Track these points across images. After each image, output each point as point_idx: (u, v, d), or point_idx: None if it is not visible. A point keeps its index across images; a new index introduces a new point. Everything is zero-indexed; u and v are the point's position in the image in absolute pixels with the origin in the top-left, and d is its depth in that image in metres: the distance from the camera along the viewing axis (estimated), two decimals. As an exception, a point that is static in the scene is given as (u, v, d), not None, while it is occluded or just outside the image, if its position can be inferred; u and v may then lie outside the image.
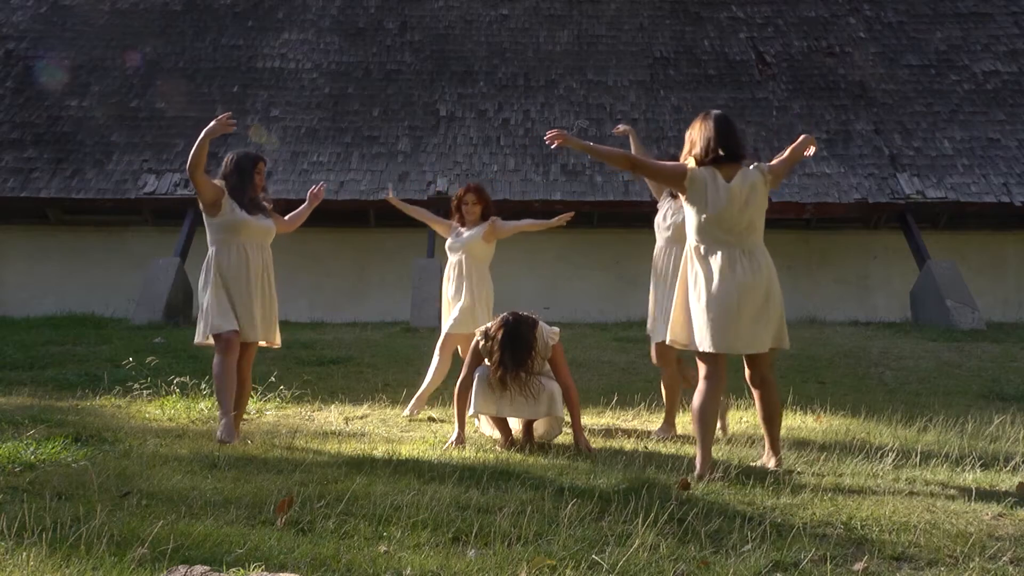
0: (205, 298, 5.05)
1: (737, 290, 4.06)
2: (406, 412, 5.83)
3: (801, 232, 13.58)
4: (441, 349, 5.99)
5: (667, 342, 4.42)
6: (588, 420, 5.73)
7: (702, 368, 4.21)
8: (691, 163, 4.25)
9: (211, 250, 5.17)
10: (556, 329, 4.92)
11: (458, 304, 5.96)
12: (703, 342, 4.11)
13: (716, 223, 4.12)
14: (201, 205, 5.17)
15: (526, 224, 6.49)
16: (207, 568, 2.58)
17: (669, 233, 5.26)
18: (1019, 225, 13.21)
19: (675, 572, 2.73)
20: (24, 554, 2.67)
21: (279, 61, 14.43)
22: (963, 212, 12.72)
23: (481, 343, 4.84)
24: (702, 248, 4.16)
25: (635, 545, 2.90)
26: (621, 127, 5.81)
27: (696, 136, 4.30)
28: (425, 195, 12.25)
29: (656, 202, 5.57)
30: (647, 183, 5.94)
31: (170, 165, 12.66)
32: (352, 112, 13.58)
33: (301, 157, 12.83)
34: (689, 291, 4.19)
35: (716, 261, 4.11)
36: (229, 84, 13.97)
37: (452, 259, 6.14)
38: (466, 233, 6.14)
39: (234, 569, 2.62)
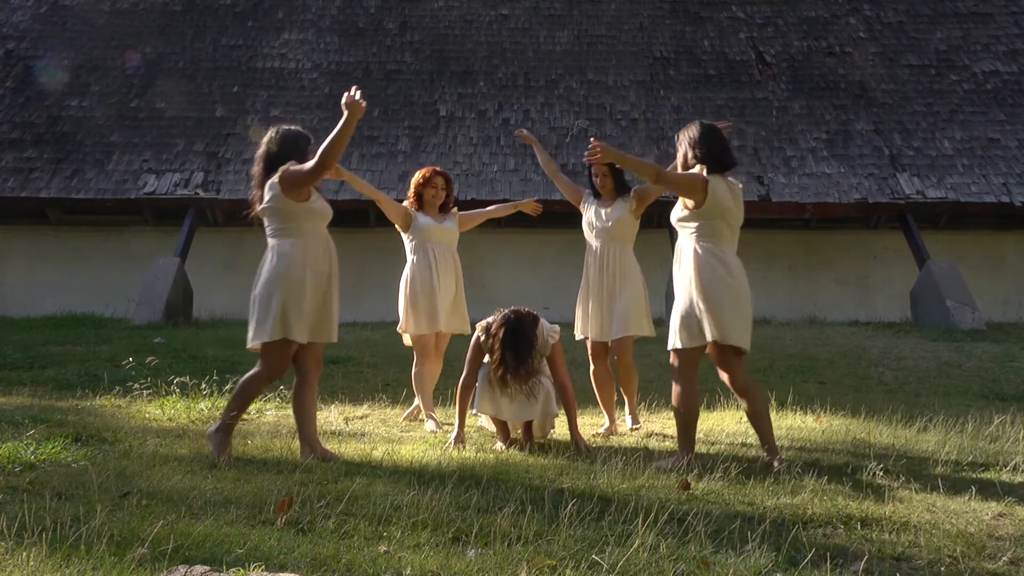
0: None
1: (746, 287, 4.51)
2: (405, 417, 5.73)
3: (801, 232, 13.59)
4: (439, 349, 5.75)
5: (683, 346, 4.49)
6: (588, 420, 5.73)
7: (726, 362, 4.51)
8: (699, 171, 4.42)
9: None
10: (556, 327, 4.90)
11: (451, 298, 5.60)
12: (744, 339, 4.51)
13: (730, 226, 4.43)
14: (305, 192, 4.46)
15: (491, 210, 6.28)
16: (207, 568, 2.58)
17: (607, 234, 5.39)
18: (1019, 225, 13.21)
19: (675, 572, 2.73)
20: (24, 554, 2.67)
21: (279, 61, 14.43)
22: (963, 212, 12.71)
23: (482, 339, 4.81)
24: (719, 249, 4.38)
25: (635, 545, 2.90)
26: (525, 132, 5.88)
27: (693, 144, 4.49)
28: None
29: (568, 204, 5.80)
30: (561, 189, 5.99)
31: (170, 165, 12.66)
32: (352, 112, 13.56)
33: (301, 157, 12.82)
34: (724, 291, 4.38)
35: (736, 262, 4.47)
36: (229, 84, 13.98)
37: (434, 248, 5.58)
38: (447, 221, 5.71)
39: (234, 569, 2.62)
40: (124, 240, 13.25)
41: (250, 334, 4.36)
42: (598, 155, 4.38)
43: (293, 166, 4.34)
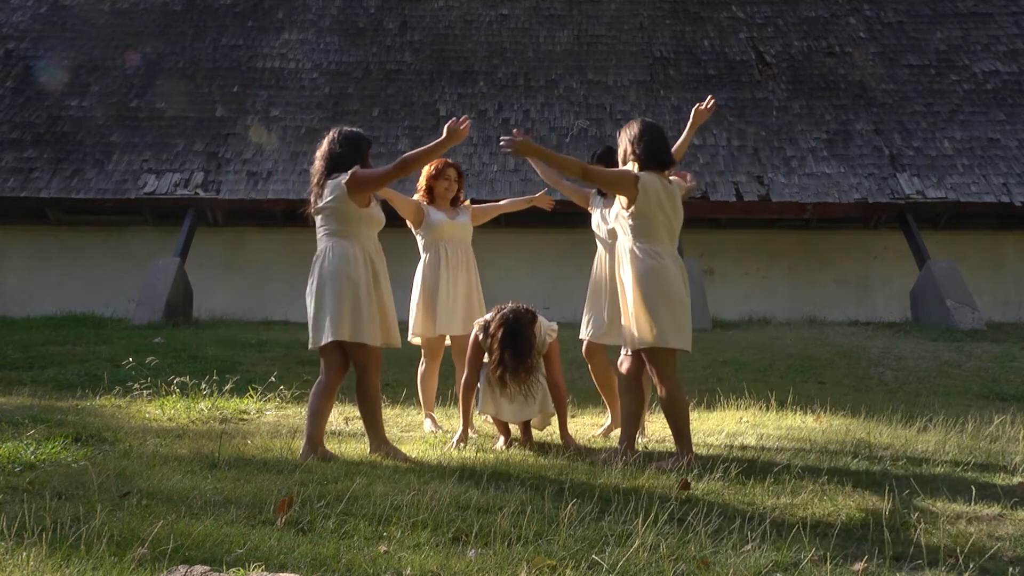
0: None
1: (684, 288, 4.40)
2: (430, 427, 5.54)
3: (801, 232, 13.59)
4: (458, 352, 5.38)
5: (632, 346, 4.40)
6: (588, 420, 5.74)
7: (661, 365, 4.32)
8: (633, 168, 4.40)
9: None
10: (555, 325, 4.88)
11: (463, 299, 5.34)
12: (676, 340, 4.30)
13: (667, 226, 4.37)
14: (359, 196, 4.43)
15: (505, 204, 5.92)
16: (207, 568, 2.58)
17: (612, 234, 5.24)
18: (1019, 225, 13.21)
19: (675, 572, 2.73)
20: (24, 554, 2.66)
21: (279, 61, 14.43)
22: (963, 212, 12.71)
23: (480, 337, 4.80)
24: (653, 249, 4.32)
25: (635, 545, 2.90)
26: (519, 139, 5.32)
27: (631, 142, 4.46)
28: (425, 195, 12.26)
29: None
30: (567, 196, 5.60)
31: (170, 165, 12.66)
32: (352, 112, 13.57)
33: (301, 157, 12.81)
34: (647, 291, 4.28)
35: (668, 261, 4.34)
36: (229, 84, 13.98)
37: (446, 246, 5.32)
38: (459, 216, 5.43)
39: (234, 569, 2.62)
40: (124, 240, 13.25)
41: (318, 334, 4.33)
42: (512, 148, 4.27)
43: (363, 169, 4.35)
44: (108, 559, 2.66)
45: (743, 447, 4.81)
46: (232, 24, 15.12)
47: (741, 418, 5.66)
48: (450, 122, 4.29)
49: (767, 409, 5.88)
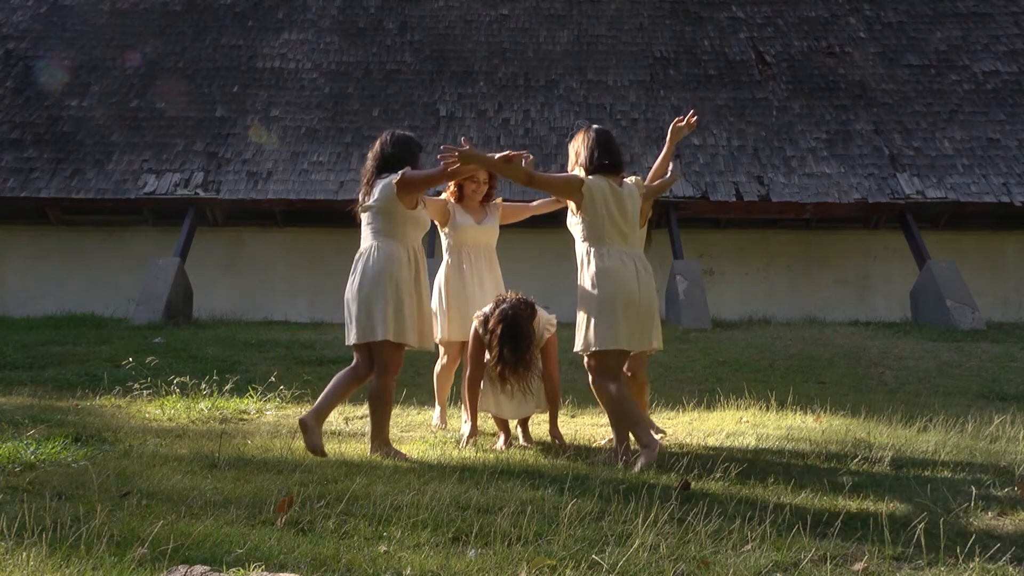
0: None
1: (639, 290, 4.35)
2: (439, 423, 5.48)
3: (801, 232, 13.60)
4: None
5: (584, 349, 4.38)
6: (588, 420, 5.73)
7: (606, 365, 4.33)
8: (581, 173, 4.45)
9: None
10: (553, 319, 4.87)
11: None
12: (627, 341, 4.30)
13: (616, 228, 4.39)
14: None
15: (536, 205, 5.46)
16: (207, 568, 2.58)
17: None
18: (1019, 225, 13.22)
19: (675, 572, 2.73)
20: (24, 554, 2.66)
21: (279, 61, 14.44)
22: (963, 212, 12.72)
23: (480, 330, 4.78)
24: (603, 250, 4.35)
25: (635, 545, 2.90)
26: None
27: (580, 148, 4.52)
28: (425, 195, 12.25)
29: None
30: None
31: (170, 165, 12.67)
32: (352, 112, 13.58)
33: (301, 157, 12.83)
34: (597, 293, 4.31)
35: (618, 262, 4.33)
36: (229, 84, 13.98)
37: (470, 251, 5.18)
38: (487, 219, 5.25)
39: (234, 569, 2.62)
40: (124, 240, 13.26)
41: (356, 332, 4.36)
42: (452, 160, 4.25)
43: (412, 170, 4.42)
44: (108, 559, 2.66)
45: (743, 447, 4.81)
46: (232, 24, 15.12)
47: (741, 418, 5.66)
48: (510, 153, 4.40)
49: (767, 409, 5.88)
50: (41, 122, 13.28)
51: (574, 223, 4.48)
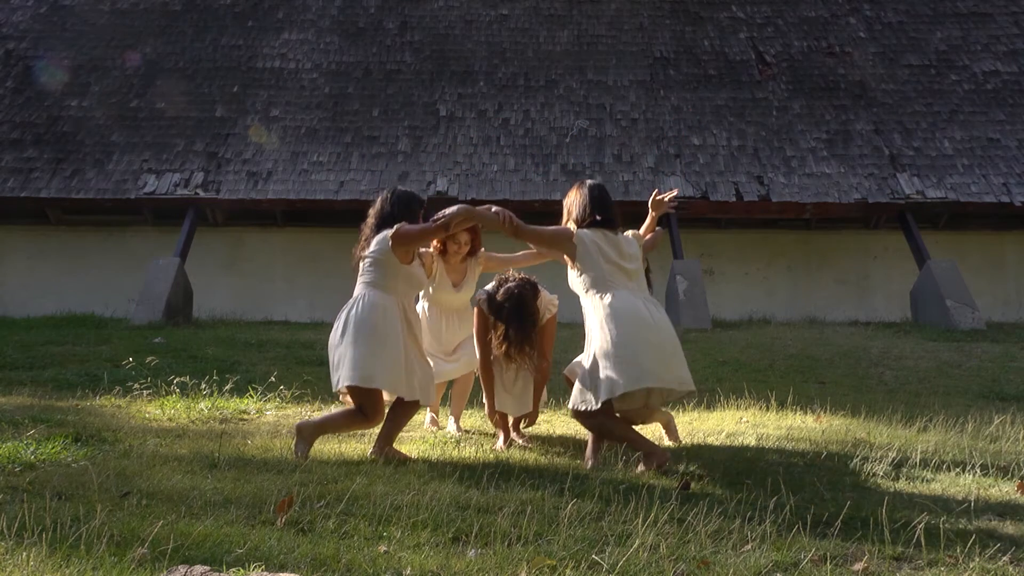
0: None
1: (655, 324, 4.23)
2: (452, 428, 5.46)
3: (801, 232, 13.60)
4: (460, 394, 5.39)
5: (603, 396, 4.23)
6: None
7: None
8: (573, 227, 4.45)
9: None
10: (555, 300, 4.90)
11: (459, 349, 5.23)
12: (650, 377, 4.17)
13: (618, 269, 4.34)
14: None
15: (519, 257, 5.31)
16: (207, 568, 2.58)
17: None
18: (1019, 225, 13.22)
19: (675, 572, 2.73)
20: (24, 554, 2.66)
21: (279, 61, 14.44)
22: (963, 212, 12.72)
23: (484, 309, 4.81)
24: (609, 294, 4.26)
25: (635, 545, 2.90)
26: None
27: (573, 203, 4.53)
28: (425, 195, 12.23)
29: None
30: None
31: (170, 165, 12.67)
32: (352, 112, 13.58)
33: (301, 157, 12.83)
34: (611, 336, 4.19)
35: (626, 302, 4.24)
36: (229, 84, 13.98)
37: (443, 311, 5.24)
38: (463, 286, 5.21)
39: (234, 569, 2.62)
40: (124, 240, 13.26)
41: (337, 378, 4.35)
42: (448, 221, 4.27)
43: (407, 225, 4.43)
44: (108, 559, 2.66)
45: (743, 447, 4.81)
46: (232, 24, 15.12)
47: (741, 418, 5.66)
48: (495, 212, 4.39)
49: (767, 409, 5.88)
50: (41, 122, 13.28)
51: (575, 278, 4.43)
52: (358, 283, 4.50)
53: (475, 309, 4.88)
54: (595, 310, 4.29)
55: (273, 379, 6.35)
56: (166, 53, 14.52)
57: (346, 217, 13.09)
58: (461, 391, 5.32)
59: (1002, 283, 13.30)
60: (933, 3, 15.56)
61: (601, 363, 4.17)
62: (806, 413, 5.80)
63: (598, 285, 4.31)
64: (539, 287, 4.82)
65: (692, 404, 6.08)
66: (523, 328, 4.64)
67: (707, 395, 6.36)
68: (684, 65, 14.49)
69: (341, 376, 4.30)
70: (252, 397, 6.09)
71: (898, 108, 13.68)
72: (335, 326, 4.43)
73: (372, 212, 4.61)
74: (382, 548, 2.87)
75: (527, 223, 4.53)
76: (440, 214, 4.34)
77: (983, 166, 12.69)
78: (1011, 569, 2.83)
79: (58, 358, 8.05)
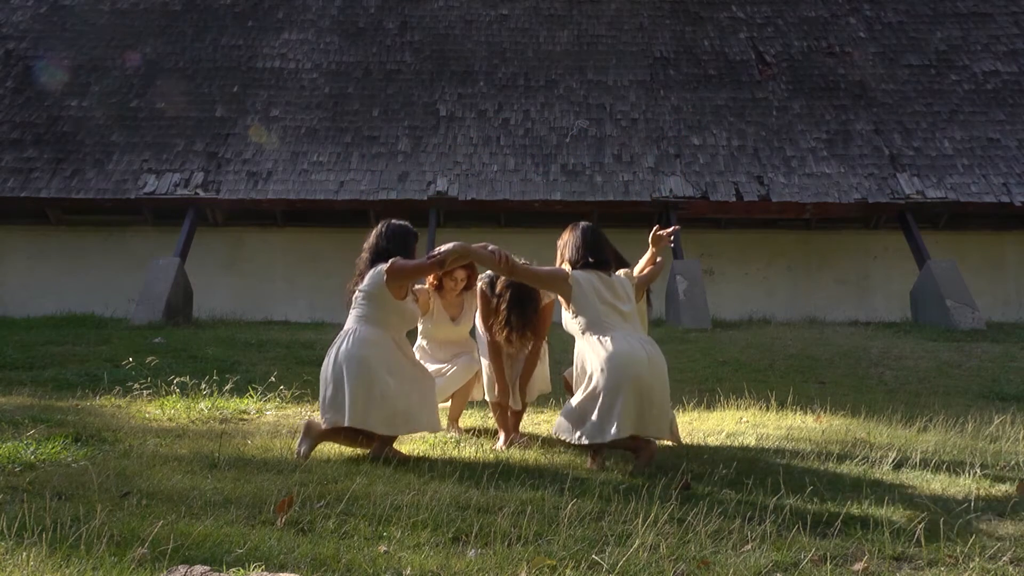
0: None
1: (650, 373, 4.20)
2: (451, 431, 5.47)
3: (801, 232, 13.60)
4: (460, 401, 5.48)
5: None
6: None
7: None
8: (567, 268, 4.48)
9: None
10: None
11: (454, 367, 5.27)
12: (630, 427, 4.17)
13: (613, 310, 4.34)
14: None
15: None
16: (207, 568, 2.58)
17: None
18: (1019, 225, 13.22)
19: (675, 572, 2.73)
20: (24, 554, 2.66)
21: (279, 61, 14.44)
22: (963, 212, 12.72)
23: (487, 292, 4.85)
24: (605, 336, 4.25)
25: (635, 545, 2.90)
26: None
27: (566, 245, 4.57)
28: (425, 195, 12.26)
29: None
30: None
31: (170, 165, 12.67)
32: (352, 112, 13.58)
33: (301, 157, 12.83)
34: (604, 380, 4.19)
35: (624, 345, 4.22)
36: (229, 84, 13.98)
37: (440, 343, 5.32)
38: (462, 318, 5.31)
39: (234, 569, 2.62)
40: (124, 240, 13.26)
41: (327, 417, 4.34)
42: (443, 259, 4.28)
43: (402, 260, 4.42)
44: (108, 559, 2.66)
45: (743, 447, 4.81)
46: (232, 24, 15.12)
47: (741, 418, 5.66)
48: (489, 251, 4.35)
49: (767, 409, 5.88)
50: (41, 122, 13.28)
51: (569, 320, 4.43)
52: (350, 316, 4.50)
53: (478, 292, 4.92)
54: (591, 350, 4.27)
55: (273, 379, 6.35)
56: (166, 53, 14.52)
57: (346, 217, 13.11)
58: (461, 393, 5.32)
59: (1002, 283, 13.30)
60: (933, 3, 15.56)
61: (589, 406, 4.19)
62: (806, 413, 5.80)
63: (594, 327, 4.32)
64: None
65: (692, 404, 6.08)
66: (524, 314, 4.72)
67: (707, 395, 6.36)
68: (684, 65, 14.49)
69: (333, 417, 4.30)
70: (252, 397, 6.09)
71: (898, 108, 13.68)
72: (327, 359, 4.43)
73: (366, 246, 4.59)
74: (382, 548, 2.87)
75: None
76: (436, 251, 4.37)
77: (983, 166, 12.68)
78: (1011, 569, 2.83)
79: (58, 358, 8.05)
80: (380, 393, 4.26)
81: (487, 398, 5.05)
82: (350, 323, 4.47)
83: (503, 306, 4.74)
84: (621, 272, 4.61)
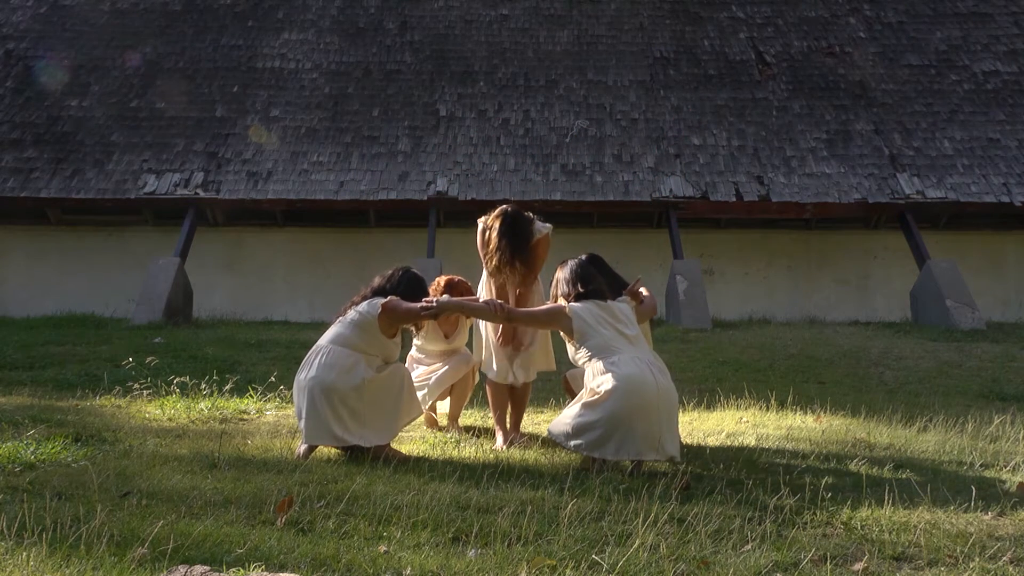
0: None
1: (658, 396, 4.18)
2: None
3: (801, 232, 13.60)
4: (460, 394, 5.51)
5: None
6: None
7: None
8: (564, 303, 4.52)
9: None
10: (549, 225, 4.99)
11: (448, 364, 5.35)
12: (636, 451, 4.17)
13: (617, 334, 4.36)
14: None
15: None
16: (207, 568, 2.58)
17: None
18: (1019, 225, 13.22)
19: (675, 572, 2.73)
20: (24, 554, 2.66)
21: (279, 61, 14.44)
22: (963, 212, 12.72)
23: (481, 228, 4.91)
24: (612, 360, 4.24)
25: (635, 545, 2.90)
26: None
27: (557, 283, 4.65)
28: (425, 195, 12.26)
29: None
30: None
31: (170, 165, 12.67)
32: (352, 112, 13.58)
33: (301, 157, 12.83)
34: (611, 402, 4.17)
35: (633, 368, 4.21)
36: (229, 84, 13.98)
37: (437, 354, 5.39)
38: (456, 336, 5.38)
39: (234, 569, 2.62)
40: (124, 240, 13.26)
41: (303, 433, 4.37)
42: (432, 312, 4.38)
43: (400, 300, 4.49)
44: (108, 559, 2.66)
45: (743, 447, 4.81)
46: (232, 24, 15.12)
47: (741, 418, 5.66)
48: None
49: (767, 409, 5.88)
50: (41, 122, 13.27)
51: (575, 353, 4.45)
52: (332, 327, 4.55)
53: (479, 233, 4.96)
54: (601, 371, 4.23)
55: (273, 379, 6.35)
56: (166, 53, 14.52)
57: (346, 217, 13.11)
58: (460, 392, 5.32)
59: (1002, 283, 13.30)
60: (933, 3, 15.55)
61: (591, 421, 4.16)
62: (806, 413, 5.80)
63: (601, 351, 4.31)
64: (535, 218, 4.94)
65: (692, 404, 6.08)
66: (515, 242, 4.76)
67: (707, 395, 6.36)
68: (684, 65, 14.49)
69: (308, 435, 4.34)
70: (252, 397, 6.09)
71: (898, 108, 13.68)
72: (302, 365, 4.48)
73: (378, 279, 4.68)
74: (382, 548, 2.87)
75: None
76: (432, 300, 4.45)
77: (983, 166, 12.68)
78: (1011, 569, 2.83)
79: (58, 358, 8.05)
80: (349, 413, 4.31)
81: (486, 373, 5.01)
82: (328, 337, 4.52)
83: (494, 235, 4.79)
84: (621, 300, 4.61)
